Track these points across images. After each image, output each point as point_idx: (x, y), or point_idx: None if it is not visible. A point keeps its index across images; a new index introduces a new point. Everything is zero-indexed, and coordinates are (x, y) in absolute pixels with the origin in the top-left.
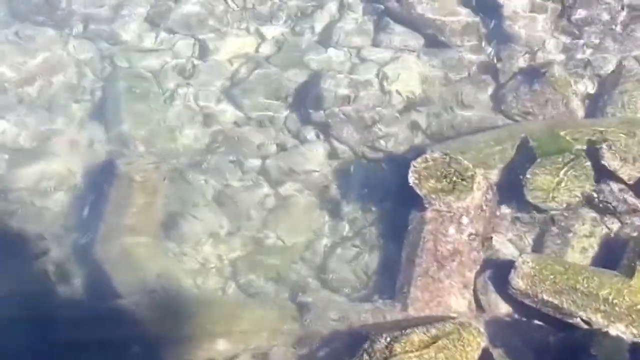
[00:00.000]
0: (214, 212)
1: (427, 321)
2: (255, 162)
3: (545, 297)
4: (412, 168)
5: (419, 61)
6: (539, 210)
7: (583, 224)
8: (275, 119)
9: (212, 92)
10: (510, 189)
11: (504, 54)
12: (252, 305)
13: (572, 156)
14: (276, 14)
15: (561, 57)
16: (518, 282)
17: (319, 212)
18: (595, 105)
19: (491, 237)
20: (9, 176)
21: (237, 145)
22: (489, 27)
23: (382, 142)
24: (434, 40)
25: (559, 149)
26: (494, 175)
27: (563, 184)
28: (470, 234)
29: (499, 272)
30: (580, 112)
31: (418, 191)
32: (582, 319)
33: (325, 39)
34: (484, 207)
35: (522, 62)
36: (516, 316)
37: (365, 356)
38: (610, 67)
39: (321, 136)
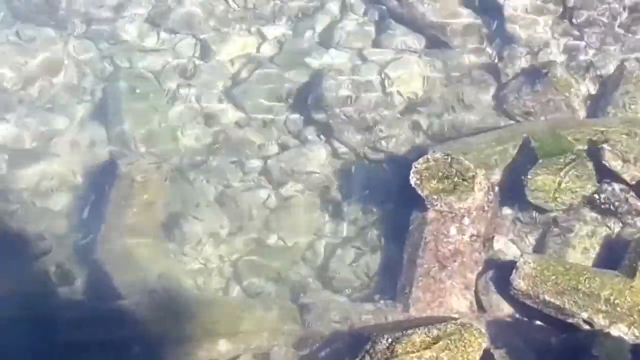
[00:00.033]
0: (215, 213)
1: (428, 322)
2: (257, 163)
3: (547, 298)
4: (413, 169)
5: (420, 62)
6: (541, 210)
7: (584, 225)
8: (277, 119)
9: (213, 92)
10: (512, 190)
11: (505, 55)
12: (253, 306)
13: (573, 156)
14: (277, 15)
15: (563, 58)
16: (519, 282)
17: (320, 212)
18: (596, 105)
19: (493, 238)
20: (10, 176)
21: (239, 146)
22: (491, 28)
23: (383, 142)
24: (436, 40)
25: (561, 149)
26: (496, 176)
27: (564, 185)
28: (472, 235)
29: (500, 272)
30: (582, 113)
31: (420, 192)
32: (583, 320)
33: (326, 40)
34: (486, 208)
35: (523, 62)
36: (518, 317)
37: (367, 357)
38: (611, 68)
39: (322, 137)
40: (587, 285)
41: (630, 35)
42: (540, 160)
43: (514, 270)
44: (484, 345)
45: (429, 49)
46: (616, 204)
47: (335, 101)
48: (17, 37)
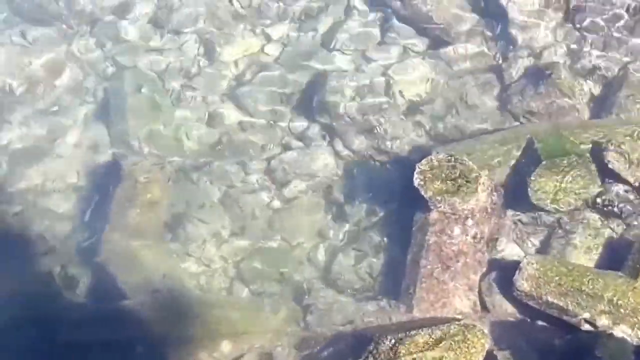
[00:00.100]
0: (219, 214)
1: (431, 323)
2: (260, 164)
3: (550, 299)
4: (417, 170)
5: (424, 63)
6: (544, 212)
7: (587, 226)
8: (280, 120)
9: (217, 93)
10: (515, 191)
11: (509, 56)
12: (257, 306)
13: (577, 158)
14: (282, 16)
15: (567, 59)
16: (523, 283)
17: (323, 213)
18: (600, 107)
19: (496, 239)
20: (13, 177)
21: (242, 147)
22: (494, 29)
23: (387, 143)
24: (440, 42)
25: (564, 150)
26: (499, 177)
27: (568, 186)
28: (475, 236)
29: (503, 273)
30: (586, 114)
31: (423, 193)
32: (586, 321)
33: (330, 41)
34: (489, 209)
35: (527, 63)
36: (521, 317)
37: (370, 358)
38: (615, 69)
39: (326, 138)
40: (591, 287)
41: (633, 37)
42: (544, 162)
43: (517, 271)
44: (487, 347)
45: (432, 50)
46: (620, 205)
47: (338, 103)
48: (20, 38)
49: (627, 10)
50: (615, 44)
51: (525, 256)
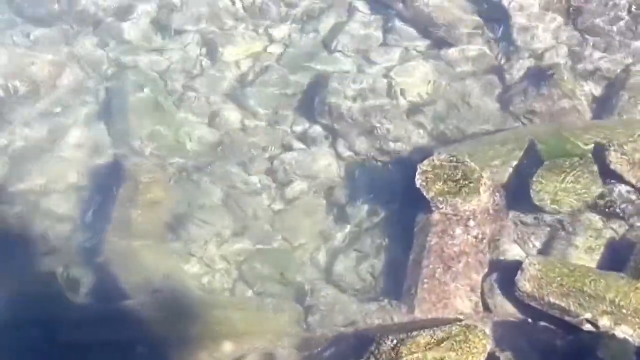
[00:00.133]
0: (220, 214)
1: (433, 323)
2: (262, 164)
3: (552, 300)
4: (419, 170)
5: (426, 64)
6: (546, 212)
7: (589, 227)
8: (282, 120)
9: (218, 93)
10: (517, 192)
11: (511, 57)
12: (258, 307)
13: (578, 159)
14: (284, 17)
15: (568, 60)
16: (525, 284)
17: (325, 213)
18: (602, 108)
19: (498, 240)
20: (15, 177)
21: (244, 147)
22: (496, 31)
23: (388, 144)
24: (441, 42)
25: (566, 151)
26: (501, 178)
27: (570, 187)
28: (477, 236)
29: (505, 274)
30: (588, 115)
31: (425, 193)
32: (588, 321)
33: (332, 41)
34: (491, 210)
35: (529, 64)
36: (522, 318)
37: (372, 358)
38: (617, 70)
39: (328, 138)
40: (593, 287)
41: (635, 39)
42: (546, 163)
43: (519, 272)
44: (489, 347)
45: (434, 51)
46: (622, 206)
47: (340, 104)
48: (21, 38)
49: (629, 12)
50: (617, 46)
51: (527, 257)
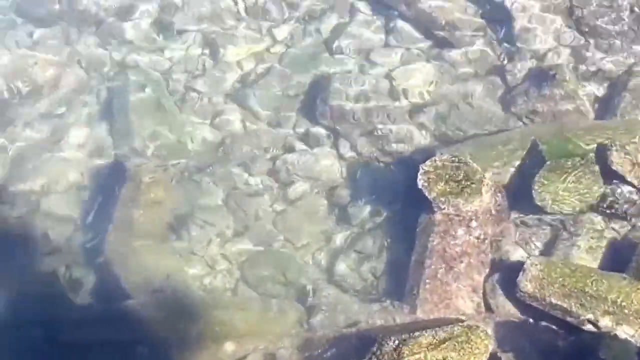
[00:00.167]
0: (222, 214)
1: (435, 324)
2: (264, 165)
3: (554, 300)
4: (421, 171)
5: (428, 64)
6: (548, 213)
7: (591, 227)
8: (284, 121)
9: (221, 93)
10: (519, 192)
11: (513, 58)
12: (260, 308)
13: (581, 159)
14: (286, 17)
15: (570, 61)
16: (526, 285)
17: (327, 214)
18: (604, 108)
19: (500, 240)
20: (17, 178)
21: (246, 147)
22: (498, 32)
23: (391, 145)
24: (444, 43)
25: (568, 152)
26: (503, 178)
27: (571, 187)
28: (479, 236)
29: (507, 274)
30: (590, 115)
31: (427, 194)
32: (590, 322)
33: (335, 42)
34: (493, 211)
35: (531, 64)
36: (524, 319)
37: (374, 358)
38: (619, 71)
39: (330, 139)
40: (594, 288)
41: (637, 39)
42: (548, 163)
43: (520, 273)
44: (491, 348)
45: (437, 52)
46: (624, 206)
47: (342, 104)
48: (23, 39)
49: (631, 12)
50: (619, 46)
51: (529, 257)
